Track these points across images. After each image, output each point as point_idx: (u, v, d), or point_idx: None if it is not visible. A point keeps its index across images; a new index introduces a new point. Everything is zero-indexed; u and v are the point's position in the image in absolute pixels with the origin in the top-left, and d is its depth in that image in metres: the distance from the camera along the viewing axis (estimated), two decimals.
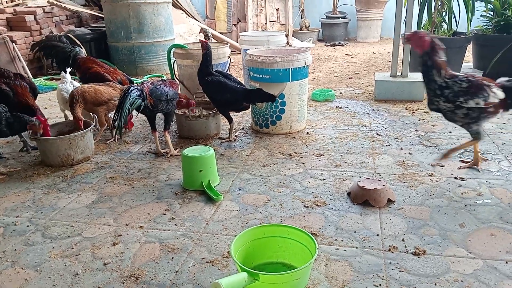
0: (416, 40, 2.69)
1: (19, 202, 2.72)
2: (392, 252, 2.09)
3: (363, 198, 2.53)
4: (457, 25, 5.69)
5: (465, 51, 5.62)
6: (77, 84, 3.84)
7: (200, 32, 5.33)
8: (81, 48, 4.15)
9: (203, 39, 3.64)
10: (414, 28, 4.90)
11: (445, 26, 5.83)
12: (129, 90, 3.01)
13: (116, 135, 3.11)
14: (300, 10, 9.75)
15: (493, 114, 2.71)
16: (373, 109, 4.38)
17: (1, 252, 2.21)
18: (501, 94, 2.65)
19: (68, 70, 3.87)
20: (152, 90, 3.16)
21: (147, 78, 6.32)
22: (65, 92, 3.70)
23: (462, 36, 5.59)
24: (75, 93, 3.43)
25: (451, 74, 2.68)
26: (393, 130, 3.76)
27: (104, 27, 7.00)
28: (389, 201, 2.53)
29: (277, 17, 9.11)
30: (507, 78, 2.75)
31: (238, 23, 8.93)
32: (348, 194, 2.65)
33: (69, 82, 3.78)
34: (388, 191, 2.56)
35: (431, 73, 2.67)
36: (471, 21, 5.26)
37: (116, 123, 2.97)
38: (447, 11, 5.57)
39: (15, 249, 2.22)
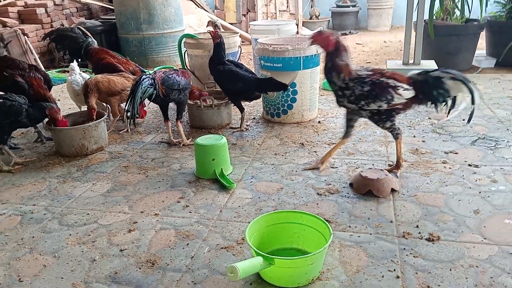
0: (322, 40, 2.54)
1: (35, 191, 2.76)
2: (406, 238, 2.09)
3: (366, 188, 2.51)
4: (470, 11, 5.59)
5: (478, 38, 5.54)
6: (86, 76, 3.87)
7: (208, 25, 5.28)
8: (93, 39, 4.16)
9: (213, 30, 3.65)
10: (426, 15, 4.85)
11: (457, 13, 5.74)
12: (141, 79, 3.03)
13: (130, 124, 3.14)
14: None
15: (402, 111, 2.60)
16: None
17: (20, 239, 2.25)
18: (408, 94, 2.49)
19: (76, 61, 3.88)
20: (164, 79, 3.18)
21: (158, 69, 6.34)
22: (76, 84, 3.73)
23: (475, 23, 5.51)
24: (89, 83, 3.46)
25: (356, 75, 2.53)
26: (406, 118, 3.73)
27: (114, 19, 7.03)
28: (393, 190, 2.51)
29: (287, 7, 9.06)
30: (418, 71, 2.60)
31: (247, 13, 8.89)
32: (351, 184, 2.63)
33: (78, 74, 3.81)
34: (392, 181, 2.54)
35: (331, 75, 2.54)
36: (486, 6, 5.18)
37: (129, 113, 3.00)
38: None
39: (33, 236, 2.27)
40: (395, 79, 2.52)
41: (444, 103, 2.52)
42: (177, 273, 1.92)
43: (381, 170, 2.62)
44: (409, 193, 2.51)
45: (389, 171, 2.69)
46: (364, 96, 2.49)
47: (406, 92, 2.49)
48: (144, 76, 3.08)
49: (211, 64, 3.60)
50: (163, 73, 3.24)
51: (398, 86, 2.49)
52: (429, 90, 2.49)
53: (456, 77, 2.45)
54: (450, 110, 2.55)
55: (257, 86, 3.51)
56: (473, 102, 2.44)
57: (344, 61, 2.51)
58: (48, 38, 4.21)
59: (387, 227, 2.18)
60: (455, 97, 2.51)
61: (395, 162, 2.78)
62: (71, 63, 3.87)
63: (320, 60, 3.77)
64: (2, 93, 3.23)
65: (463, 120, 3.59)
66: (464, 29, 5.41)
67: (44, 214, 2.48)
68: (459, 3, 5.53)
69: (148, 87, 3.04)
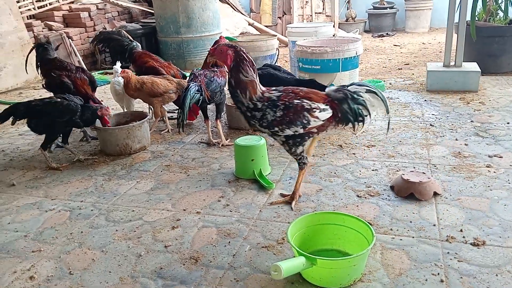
0: (219, 54, 2.31)
1: (82, 188, 2.88)
2: (450, 242, 2.05)
3: (408, 192, 2.47)
4: None
5: None
6: None
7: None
8: (137, 43, 4.28)
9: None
10: (468, 16, 4.73)
11: (501, 14, 5.58)
12: (189, 86, 3.15)
13: (180, 128, 3.22)
14: (346, 1, 9.61)
15: (317, 134, 2.38)
16: (425, 100, 4.28)
17: (69, 233, 2.35)
18: (325, 115, 2.25)
19: (119, 64, 4.01)
20: (208, 83, 3.27)
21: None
22: (117, 85, 3.86)
23: None
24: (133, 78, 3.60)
25: (266, 97, 2.29)
26: (447, 121, 3.66)
27: (154, 22, 7.20)
28: (435, 194, 2.47)
29: (323, 9, 9.04)
30: (335, 87, 2.37)
31: (283, 15, 8.92)
32: (391, 187, 2.60)
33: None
34: (434, 184, 2.50)
35: (236, 93, 2.29)
36: None
37: (180, 118, 3.13)
38: None
39: (82, 231, 2.36)
40: (310, 98, 2.29)
41: (361, 121, 2.31)
42: (220, 270, 1.96)
43: (423, 173, 2.58)
44: (452, 196, 2.46)
45: (284, 202, 2.52)
46: (277, 122, 2.26)
47: (322, 114, 2.27)
48: (191, 84, 3.19)
49: None
50: (204, 76, 3.31)
51: (314, 108, 2.25)
52: (348, 107, 2.28)
53: (371, 89, 2.30)
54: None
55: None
56: (387, 111, 2.31)
57: (248, 77, 2.26)
58: (96, 41, 4.35)
59: (430, 231, 2.16)
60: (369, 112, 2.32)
61: (291, 193, 2.55)
62: (115, 66, 4.00)
63: (358, 62, 3.76)
64: (52, 94, 3.40)
65: (508, 123, 3.50)
66: (508, 31, 5.24)
67: (91, 210, 2.58)
68: (503, 4, 5.37)
69: (196, 93, 3.15)
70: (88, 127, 3.75)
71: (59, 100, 3.15)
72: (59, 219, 2.51)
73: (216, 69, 3.47)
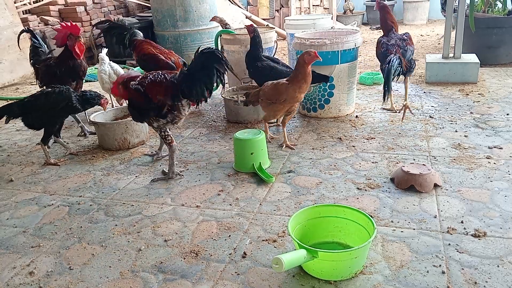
0: None
1: (81, 183, 2.86)
2: (451, 234, 2.05)
3: (408, 184, 2.47)
4: None
5: None
6: (116, 65, 4.01)
7: (211, 20, 4.97)
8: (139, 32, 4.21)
9: (249, 25, 3.68)
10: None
11: (499, 4, 5.56)
12: (391, 59, 3.25)
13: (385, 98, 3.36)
14: None
15: None
16: (424, 92, 4.27)
17: (68, 229, 2.34)
18: None
19: (105, 51, 4.04)
20: (403, 53, 3.39)
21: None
22: (104, 73, 3.88)
23: None
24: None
25: None
26: (447, 112, 3.65)
27: (150, 16, 7.15)
28: (436, 185, 2.46)
29: (321, 1, 8.99)
30: None
31: (280, 8, 8.87)
32: (392, 179, 2.59)
33: (107, 64, 3.96)
34: (435, 176, 2.49)
35: None
36: None
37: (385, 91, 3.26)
38: None
39: (81, 226, 2.35)
40: None
41: None
42: (221, 264, 1.96)
43: (423, 165, 2.57)
44: (453, 188, 2.46)
45: None
46: None
47: None
48: (392, 57, 3.27)
49: (248, 60, 3.62)
50: (398, 46, 3.40)
51: None
52: None
53: None
54: None
55: None
56: None
57: None
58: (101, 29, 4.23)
59: (431, 223, 2.15)
60: None
61: None
62: (100, 54, 4.01)
63: (357, 54, 3.74)
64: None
65: (507, 114, 3.49)
66: (507, 22, 5.23)
67: (91, 205, 2.57)
68: None
69: (398, 67, 3.29)
70: (86, 122, 3.74)
71: (49, 90, 3.12)
72: (58, 214, 2.50)
73: (405, 36, 3.54)
